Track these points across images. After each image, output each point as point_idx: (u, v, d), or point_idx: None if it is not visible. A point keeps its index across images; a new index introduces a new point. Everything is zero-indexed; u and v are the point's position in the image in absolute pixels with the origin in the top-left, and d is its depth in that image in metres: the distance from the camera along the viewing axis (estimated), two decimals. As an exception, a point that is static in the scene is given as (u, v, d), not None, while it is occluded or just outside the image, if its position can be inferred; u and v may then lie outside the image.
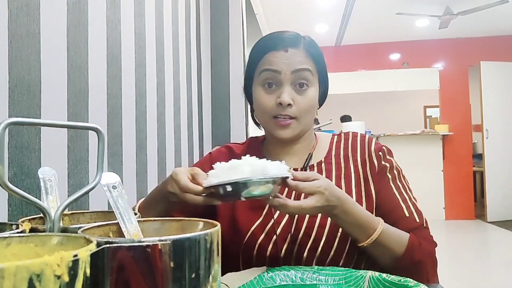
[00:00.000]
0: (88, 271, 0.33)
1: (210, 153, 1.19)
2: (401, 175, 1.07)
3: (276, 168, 0.77)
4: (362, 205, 1.00)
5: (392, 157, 1.08)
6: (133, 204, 1.72)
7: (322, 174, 1.03)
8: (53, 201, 0.55)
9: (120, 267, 0.37)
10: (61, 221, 0.58)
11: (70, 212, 0.60)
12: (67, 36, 1.28)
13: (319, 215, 0.98)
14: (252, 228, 1.00)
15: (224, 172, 0.75)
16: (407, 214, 1.00)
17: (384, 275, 0.78)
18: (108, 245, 0.36)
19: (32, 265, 0.29)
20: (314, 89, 1.03)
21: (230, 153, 1.15)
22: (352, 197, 1.00)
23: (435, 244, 1.00)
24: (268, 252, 0.97)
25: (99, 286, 0.36)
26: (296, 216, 0.99)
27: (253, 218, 1.03)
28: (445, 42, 6.89)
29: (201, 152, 2.80)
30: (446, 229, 6.03)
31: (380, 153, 1.07)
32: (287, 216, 1.01)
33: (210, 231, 0.42)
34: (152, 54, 2.02)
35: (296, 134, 1.03)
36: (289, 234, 0.99)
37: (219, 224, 0.45)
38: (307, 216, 0.99)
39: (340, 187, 1.02)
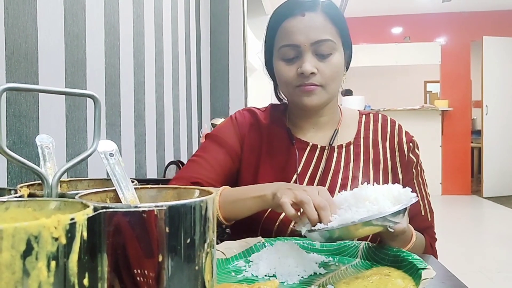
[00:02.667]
0: (85, 234, 0.34)
1: (232, 116, 1.12)
2: (423, 170, 1.06)
3: (402, 195, 0.73)
4: None
5: (419, 151, 1.06)
6: (130, 172, 1.73)
7: (350, 157, 1.01)
8: (51, 168, 0.55)
9: (117, 231, 0.38)
10: (59, 188, 0.59)
11: (68, 179, 0.61)
12: (64, 3, 1.26)
13: None
14: None
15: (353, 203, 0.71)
16: (423, 213, 1.04)
17: (377, 245, 0.80)
18: (104, 210, 0.37)
19: (29, 227, 0.29)
20: (338, 55, 0.96)
21: (254, 118, 1.09)
22: (379, 184, 0.99)
23: (436, 240, 1.07)
24: (289, 230, 0.94)
25: (96, 250, 0.36)
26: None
27: None
28: (448, 16, 6.80)
29: (200, 123, 2.80)
30: (442, 204, 6.10)
31: (411, 144, 1.04)
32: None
33: (205, 198, 0.42)
34: (151, 24, 1.99)
35: (323, 102, 0.98)
36: None
37: (214, 192, 0.46)
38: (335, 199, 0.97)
39: (367, 173, 1.00)
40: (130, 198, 0.49)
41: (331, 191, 0.97)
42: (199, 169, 1.01)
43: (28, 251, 0.29)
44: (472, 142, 6.98)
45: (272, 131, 1.06)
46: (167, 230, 0.39)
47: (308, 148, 1.03)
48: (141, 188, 0.51)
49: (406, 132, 1.07)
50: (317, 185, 0.99)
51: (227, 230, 1.37)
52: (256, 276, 0.69)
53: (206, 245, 0.43)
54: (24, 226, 0.29)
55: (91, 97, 0.46)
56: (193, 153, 2.70)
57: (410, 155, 1.03)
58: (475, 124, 7.76)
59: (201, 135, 2.59)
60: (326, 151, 1.02)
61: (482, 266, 3.41)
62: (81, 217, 0.33)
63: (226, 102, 3.01)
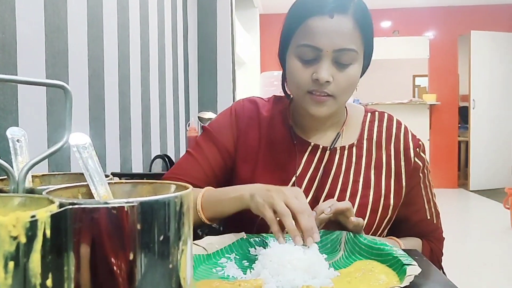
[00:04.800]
0: (48, 232, 0.32)
1: (231, 109, 1.05)
2: (429, 171, 1.03)
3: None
4: (389, 200, 0.96)
5: (425, 154, 1.02)
6: (115, 166, 1.71)
7: (352, 160, 0.98)
8: (23, 162, 0.53)
9: (84, 229, 0.36)
10: (32, 183, 0.57)
11: (41, 173, 0.59)
12: (43, -8, 1.22)
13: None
14: None
15: None
16: (428, 216, 1.03)
17: (359, 236, 0.78)
18: (71, 206, 0.35)
19: (-16, 226, 0.27)
20: (357, 65, 0.90)
21: (255, 110, 1.04)
22: (381, 189, 0.96)
23: (444, 239, 1.06)
24: (286, 231, 0.93)
25: (61, 248, 0.34)
26: (321, 201, 0.94)
27: None
28: (437, 10, 6.82)
29: (187, 116, 2.77)
30: (430, 197, 6.13)
31: (418, 149, 1.00)
32: (310, 197, 0.95)
33: (180, 194, 0.41)
34: (136, 16, 1.96)
35: (331, 112, 0.93)
36: None
37: (190, 187, 0.44)
38: None
39: (368, 176, 0.97)
40: (103, 193, 0.47)
41: (331, 195, 0.95)
42: (188, 169, 1.00)
43: (-18, 251, 0.27)
44: (459, 136, 7.04)
45: (273, 126, 1.02)
46: (138, 227, 0.38)
47: (309, 148, 0.99)
48: (115, 183, 0.49)
49: (413, 136, 1.02)
50: (317, 188, 0.96)
51: (220, 229, 1.35)
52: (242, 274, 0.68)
53: (181, 242, 0.41)
54: (-22, 224, 0.27)
55: (61, 87, 0.44)
56: (180, 147, 2.66)
57: (416, 159, 0.99)
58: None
59: (187, 129, 2.56)
60: (327, 152, 0.98)
61: (468, 259, 3.44)
62: (44, 214, 0.32)
63: (213, 95, 2.98)
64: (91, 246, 0.36)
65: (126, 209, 0.37)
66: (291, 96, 1.02)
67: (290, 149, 0.99)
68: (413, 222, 1.02)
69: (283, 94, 1.06)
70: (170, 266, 0.40)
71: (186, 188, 0.44)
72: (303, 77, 0.89)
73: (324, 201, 0.93)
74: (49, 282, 0.32)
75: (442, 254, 1.06)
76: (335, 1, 0.86)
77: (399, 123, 1.04)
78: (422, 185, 1.01)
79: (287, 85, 0.99)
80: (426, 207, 1.02)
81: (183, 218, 0.41)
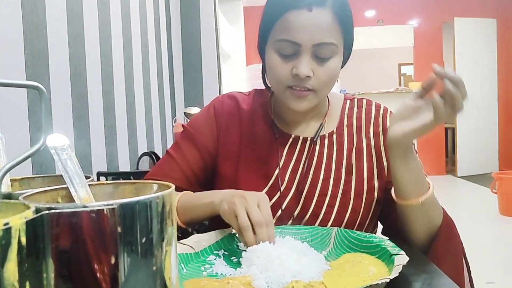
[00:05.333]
0: (24, 239, 0.31)
1: (210, 106, 1.04)
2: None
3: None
4: (373, 182, 0.95)
5: None
6: (101, 165, 1.69)
7: (333, 148, 0.97)
8: (0, 166, 0.52)
9: (63, 234, 0.35)
10: (10, 187, 0.56)
11: (20, 177, 0.58)
12: (19, -10, 1.20)
13: (329, 194, 0.92)
14: None
15: None
16: None
17: (349, 231, 0.78)
18: (47, 212, 0.34)
19: (-48, 236, 0.26)
20: (337, 58, 0.88)
21: (235, 106, 1.02)
22: (363, 173, 0.95)
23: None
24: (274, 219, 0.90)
25: (39, 255, 0.33)
26: (304, 193, 0.93)
27: (257, 186, 0.94)
28: (421, -2, 6.85)
29: (173, 112, 2.75)
30: (418, 185, 6.18)
31: None
32: (293, 189, 0.93)
33: (161, 194, 0.40)
34: (117, 11, 1.93)
35: (312, 106, 0.92)
36: (296, 211, 0.92)
37: (173, 186, 0.43)
38: (316, 194, 0.92)
39: (350, 162, 0.95)
40: (84, 195, 0.46)
41: (314, 185, 0.94)
42: (167, 170, 0.99)
43: (-47, 263, 0.26)
44: (446, 123, 7.10)
45: (254, 120, 1.01)
46: (119, 230, 0.37)
47: (290, 140, 0.98)
48: (96, 184, 0.48)
49: (391, 114, 1.01)
50: (300, 179, 0.95)
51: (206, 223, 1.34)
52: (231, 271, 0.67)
53: (164, 243, 0.41)
54: None
55: (36, 88, 0.42)
56: (167, 144, 2.64)
57: None
58: (448, 105, 7.88)
59: (174, 125, 2.54)
60: (308, 143, 0.98)
61: (457, 244, 3.48)
62: (18, 221, 0.30)
63: (199, 90, 2.96)
64: (70, 251, 0.35)
65: (105, 212, 0.36)
66: (271, 87, 1.01)
67: (272, 143, 0.98)
68: None
69: (264, 87, 1.05)
70: (154, 268, 0.39)
71: (169, 187, 0.43)
72: (283, 72, 0.87)
73: (307, 191, 0.93)
74: (26, 290, 0.31)
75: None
76: None
77: (378, 106, 1.03)
78: None
79: (267, 78, 0.98)
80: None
81: (166, 218, 0.41)
